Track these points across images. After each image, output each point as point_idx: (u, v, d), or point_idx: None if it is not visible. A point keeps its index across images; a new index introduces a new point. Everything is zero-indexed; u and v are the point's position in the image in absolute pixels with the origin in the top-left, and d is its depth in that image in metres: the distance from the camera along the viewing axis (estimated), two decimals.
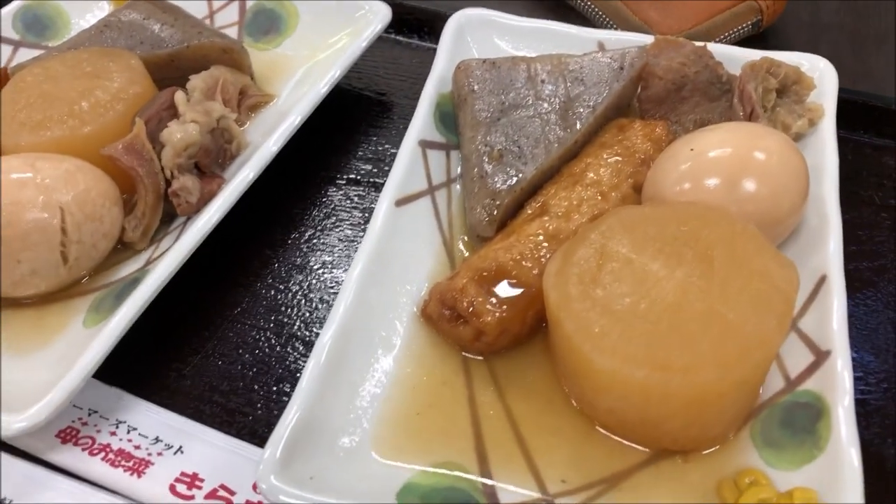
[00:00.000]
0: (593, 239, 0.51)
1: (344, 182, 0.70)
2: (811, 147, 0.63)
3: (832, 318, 0.52)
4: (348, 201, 0.68)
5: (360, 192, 0.69)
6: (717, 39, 0.77)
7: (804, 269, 0.56)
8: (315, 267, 0.64)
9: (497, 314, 0.52)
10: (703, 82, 0.67)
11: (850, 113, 0.71)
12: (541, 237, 0.56)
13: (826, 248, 0.56)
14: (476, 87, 0.65)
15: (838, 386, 0.48)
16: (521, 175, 0.60)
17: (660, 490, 0.48)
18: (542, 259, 0.55)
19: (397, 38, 0.83)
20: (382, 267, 0.56)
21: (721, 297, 0.46)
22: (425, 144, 0.64)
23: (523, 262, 0.55)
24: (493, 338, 0.53)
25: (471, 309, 0.53)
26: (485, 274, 0.54)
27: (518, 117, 0.63)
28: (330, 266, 0.64)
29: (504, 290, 0.54)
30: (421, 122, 0.65)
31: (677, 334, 0.45)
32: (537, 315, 0.54)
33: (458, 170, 0.65)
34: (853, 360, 0.50)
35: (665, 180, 0.56)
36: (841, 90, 0.68)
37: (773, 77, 0.64)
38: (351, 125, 0.75)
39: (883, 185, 0.69)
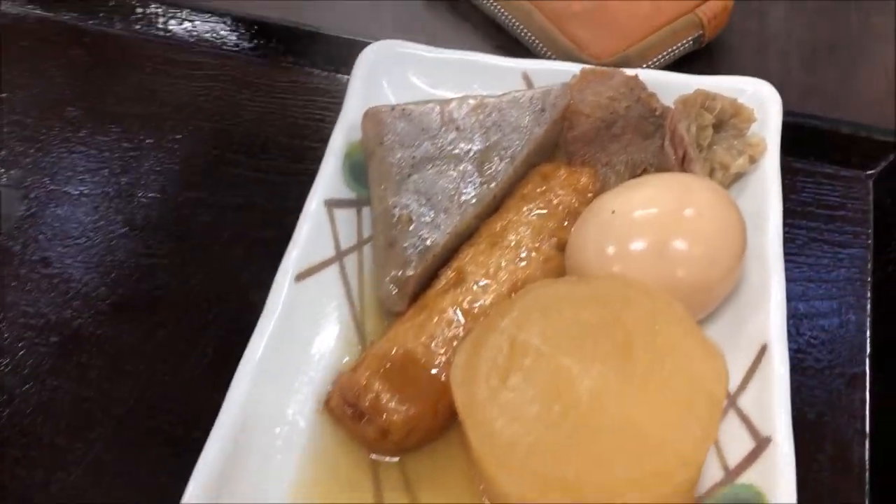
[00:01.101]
0: (503, 327, 0.46)
1: (241, 251, 0.63)
2: (752, 189, 0.58)
3: (774, 398, 0.47)
4: (246, 275, 0.62)
5: (260, 263, 0.62)
6: (657, 59, 0.71)
7: (743, 336, 0.51)
8: (207, 359, 0.57)
9: (403, 412, 0.47)
10: (635, 118, 0.61)
11: (797, 138, 0.65)
12: (455, 314, 0.51)
13: (767, 312, 0.51)
14: (385, 140, 0.59)
15: (780, 481, 0.44)
16: (432, 241, 0.54)
17: None
18: (454, 342, 0.50)
19: (312, 70, 0.76)
20: (280, 357, 0.51)
21: (639, 400, 0.41)
22: (332, 204, 0.59)
23: (433, 347, 0.50)
24: (401, 437, 0.48)
25: (374, 407, 0.47)
26: (389, 365, 0.49)
27: (431, 172, 0.57)
28: (225, 357, 0.57)
29: (412, 381, 0.48)
30: (327, 179, 0.59)
31: (591, 448, 0.40)
32: (451, 406, 0.48)
33: (369, 231, 0.59)
34: (798, 434, 0.46)
35: (586, 246, 0.51)
36: (787, 113, 0.63)
37: (708, 112, 0.59)
38: (254, 178, 0.68)
39: (832, 218, 0.64)
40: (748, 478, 0.45)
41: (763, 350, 0.49)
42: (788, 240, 0.60)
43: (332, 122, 0.65)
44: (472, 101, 0.60)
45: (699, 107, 0.58)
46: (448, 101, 0.60)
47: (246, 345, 0.51)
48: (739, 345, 0.50)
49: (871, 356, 0.57)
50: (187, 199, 0.66)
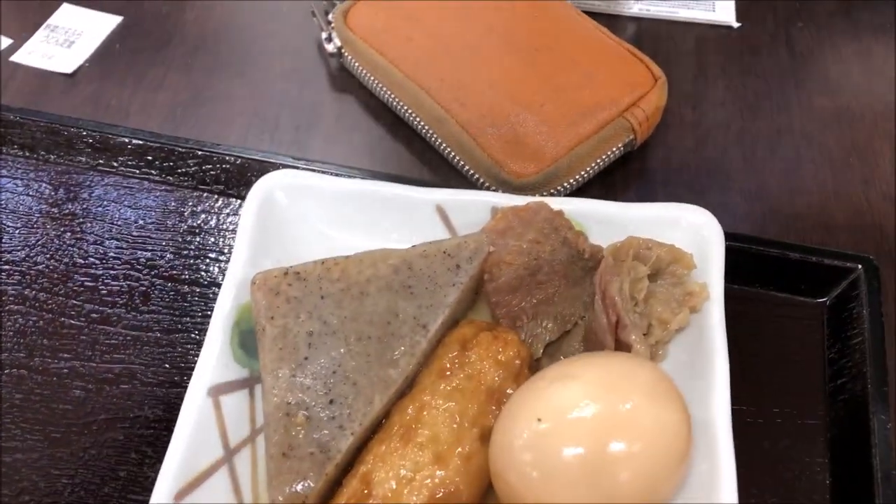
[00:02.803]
0: None
1: (120, 437, 0.55)
2: (694, 348, 0.52)
3: None
4: (125, 471, 0.53)
5: (142, 453, 0.54)
6: (585, 171, 0.64)
7: None
8: None
9: None
10: (562, 262, 0.54)
11: (743, 264, 0.59)
12: None
13: None
14: (276, 314, 0.51)
15: None
16: (334, 447, 0.47)
17: None
18: None
19: (203, 193, 0.67)
20: None
21: None
22: (218, 391, 0.50)
23: None
24: None
25: None
26: None
27: (331, 352, 0.50)
28: None
29: None
30: (212, 360, 0.51)
31: None
32: None
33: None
34: None
35: (511, 461, 0.44)
36: (732, 237, 0.57)
37: (642, 263, 0.52)
38: (133, 339, 0.59)
39: (782, 351, 0.58)
40: None
41: None
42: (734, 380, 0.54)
43: (226, 257, 0.56)
44: (376, 258, 0.53)
45: (631, 258, 0.52)
46: (349, 259, 0.53)
47: None
48: None
49: None
50: (55, 368, 0.57)
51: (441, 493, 0.45)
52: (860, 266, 0.58)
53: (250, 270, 0.54)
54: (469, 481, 0.46)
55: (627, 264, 0.51)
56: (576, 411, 0.43)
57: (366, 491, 0.46)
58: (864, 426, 0.53)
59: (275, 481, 0.46)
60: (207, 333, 0.52)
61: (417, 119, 0.68)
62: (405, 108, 0.69)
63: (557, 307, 0.54)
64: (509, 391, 0.50)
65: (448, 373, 0.50)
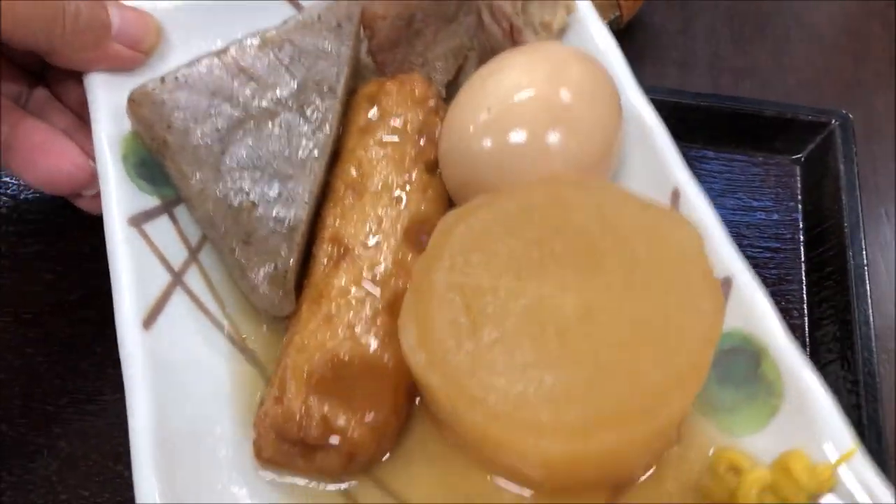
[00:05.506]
0: (443, 282, 0.38)
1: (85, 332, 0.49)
2: (579, 43, 0.54)
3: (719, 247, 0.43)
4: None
5: (110, 348, 0.47)
6: None
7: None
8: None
9: (366, 423, 0.38)
10: (432, 4, 0.54)
11: (720, 124, 0.60)
12: (361, 288, 0.42)
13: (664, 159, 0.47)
14: (173, 121, 0.46)
15: (760, 316, 0.42)
16: (294, 217, 0.44)
17: None
18: (378, 319, 0.41)
19: None
20: (173, 430, 0.39)
21: (633, 299, 0.36)
22: (138, 220, 0.45)
23: (357, 335, 0.41)
24: (373, 451, 0.39)
25: (327, 431, 0.38)
26: (319, 377, 0.39)
27: (247, 138, 0.46)
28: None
29: (356, 384, 0.39)
30: (117, 191, 0.45)
31: (577, 383, 0.35)
32: (407, 391, 0.41)
33: (196, 232, 0.47)
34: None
35: (477, 159, 0.44)
36: (709, 96, 0.60)
37: None
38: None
39: (760, 210, 0.59)
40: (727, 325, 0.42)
41: (675, 194, 0.46)
42: None
43: None
44: (253, 42, 0.49)
45: None
46: (224, 51, 0.48)
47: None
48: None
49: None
50: (23, 253, 0.52)
51: (413, 226, 0.45)
52: (834, 120, 0.59)
53: (115, 99, 0.48)
54: (434, 207, 0.46)
55: None
56: (518, 88, 0.44)
57: (341, 249, 0.44)
58: (842, 271, 0.53)
59: (245, 270, 0.43)
60: (99, 172, 0.46)
61: None
62: None
63: (443, 45, 0.54)
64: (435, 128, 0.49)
65: (369, 128, 0.48)
